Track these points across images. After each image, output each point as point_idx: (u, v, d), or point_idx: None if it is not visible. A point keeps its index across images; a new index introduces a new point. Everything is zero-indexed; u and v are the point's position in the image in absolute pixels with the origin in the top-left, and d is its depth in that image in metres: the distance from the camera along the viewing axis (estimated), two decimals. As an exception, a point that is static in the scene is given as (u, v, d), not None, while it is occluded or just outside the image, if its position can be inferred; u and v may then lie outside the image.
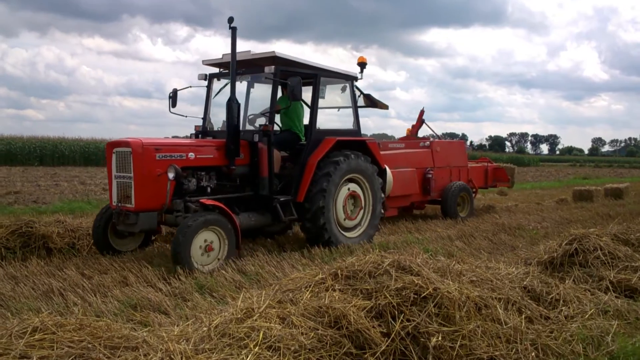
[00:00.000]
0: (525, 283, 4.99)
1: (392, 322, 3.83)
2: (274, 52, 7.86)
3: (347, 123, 9.02)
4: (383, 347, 3.65)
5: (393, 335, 3.74)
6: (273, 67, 7.73)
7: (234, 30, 7.32)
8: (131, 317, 4.86)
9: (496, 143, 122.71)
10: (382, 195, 8.95)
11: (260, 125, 7.90)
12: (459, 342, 3.74)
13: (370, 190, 8.67)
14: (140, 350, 3.09)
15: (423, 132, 14.78)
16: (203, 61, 8.90)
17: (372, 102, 9.64)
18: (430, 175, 11.49)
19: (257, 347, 3.25)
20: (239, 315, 3.65)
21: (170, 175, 6.70)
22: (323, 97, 8.81)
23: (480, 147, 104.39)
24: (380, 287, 4.06)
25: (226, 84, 8.30)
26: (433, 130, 15.09)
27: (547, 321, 4.55)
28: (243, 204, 7.73)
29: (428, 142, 12.31)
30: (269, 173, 7.62)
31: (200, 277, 6.14)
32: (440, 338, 3.74)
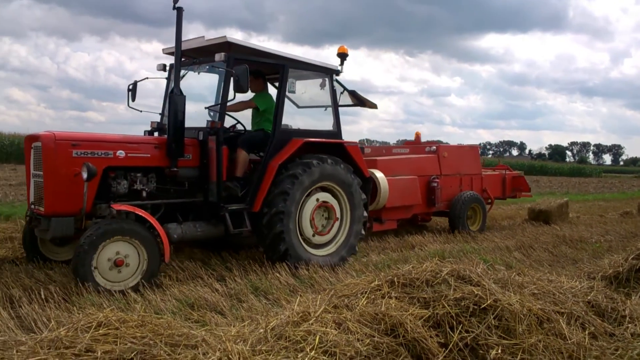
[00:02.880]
0: (589, 298, 4.80)
1: (450, 332, 3.76)
2: (225, 37, 6.77)
3: (330, 124, 7.86)
4: (440, 358, 3.58)
5: (451, 345, 3.67)
6: (223, 54, 6.67)
7: (179, 12, 6.36)
8: (189, 315, 4.95)
9: (556, 152, 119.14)
10: (365, 212, 7.85)
11: (207, 121, 6.86)
12: (519, 356, 3.64)
13: (349, 203, 7.57)
14: (200, 349, 3.14)
15: (427, 137, 13.65)
16: (163, 50, 7.77)
17: (358, 100, 8.63)
18: (435, 184, 10.21)
19: (313, 351, 3.24)
20: (295, 319, 3.66)
21: (84, 175, 5.66)
22: (293, 92, 7.90)
23: (540, 156, 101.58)
24: (438, 296, 3.99)
25: (184, 75, 7.33)
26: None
27: (612, 338, 4.36)
28: (194, 212, 6.86)
29: (434, 147, 10.92)
30: (217, 177, 6.62)
31: (255, 280, 6.21)
32: (499, 351, 3.65)
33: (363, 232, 7.87)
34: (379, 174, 9.03)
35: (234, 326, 4.15)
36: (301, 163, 7.03)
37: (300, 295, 5.05)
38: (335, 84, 7.86)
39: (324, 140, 7.47)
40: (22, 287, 5.57)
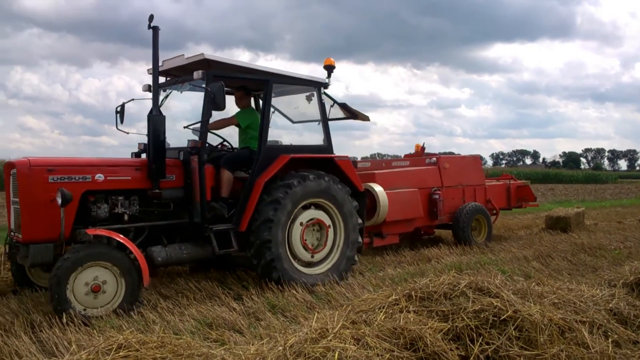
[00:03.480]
0: (610, 305, 4.74)
1: (471, 345, 3.73)
2: (202, 54, 6.64)
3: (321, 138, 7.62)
4: (461, 371, 3.55)
5: (472, 358, 3.64)
6: (201, 72, 6.52)
7: (155, 31, 6.27)
8: (207, 335, 4.96)
9: (570, 160, 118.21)
10: (360, 222, 7.59)
11: (189, 141, 6.71)
12: (541, 367, 3.59)
13: (341, 218, 7.32)
14: (219, 368, 3.15)
15: (439, 149, 12.91)
16: (148, 70, 7.32)
17: (350, 113, 8.37)
18: (437, 196, 9.94)
19: (333, 368, 3.23)
20: (314, 335, 3.65)
21: (58, 200, 5.54)
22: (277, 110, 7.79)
23: (554, 164, 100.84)
24: (457, 309, 3.96)
25: (167, 94, 7.30)
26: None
27: (636, 346, 4.30)
28: (180, 234, 6.71)
29: (435, 159, 10.65)
30: (200, 197, 6.48)
31: (272, 297, 6.21)
32: (521, 363, 3.61)
33: (356, 258, 7.58)
34: (377, 188, 8.88)
35: (252, 344, 4.14)
36: (281, 185, 6.77)
37: (318, 312, 5.04)
38: (325, 97, 7.68)
39: (310, 155, 7.26)
40: (42, 312, 5.61)
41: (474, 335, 3.79)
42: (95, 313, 5.39)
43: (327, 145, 7.49)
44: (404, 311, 3.99)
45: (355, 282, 7.04)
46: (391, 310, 4.03)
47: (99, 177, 6.09)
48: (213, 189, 6.78)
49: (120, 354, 3.17)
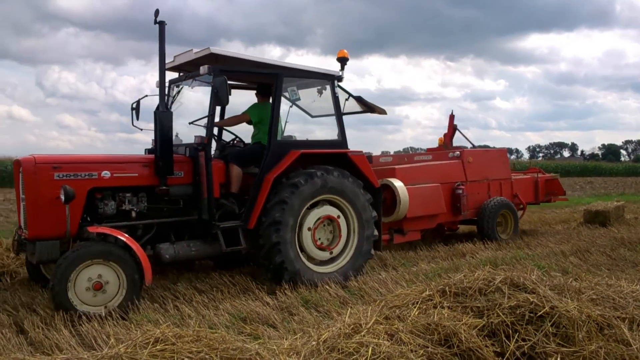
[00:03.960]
0: (652, 302, 4.61)
1: (506, 341, 3.68)
2: (208, 48, 6.54)
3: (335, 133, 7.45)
4: (497, 367, 3.51)
5: (507, 354, 3.60)
6: (206, 66, 6.46)
7: (161, 26, 6.21)
8: (242, 329, 5.03)
9: (610, 152, 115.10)
10: (375, 215, 7.37)
11: (195, 137, 6.70)
12: (580, 364, 3.53)
13: (355, 214, 7.15)
14: (254, 362, 3.18)
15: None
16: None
17: (367, 107, 8.20)
18: (460, 191, 9.65)
19: (366, 363, 3.24)
20: (347, 331, 3.66)
21: (62, 197, 5.54)
22: (298, 99, 7.71)
23: (593, 156, 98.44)
24: (492, 305, 3.92)
25: (179, 90, 7.32)
26: (468, 139, 12.35)
27: (680, 344, 4.17)
28: (190, 231, 6.68)
29: (458, 152, 10.34)
30: (207, 194, 6.42)
31: (305, 292, 6.24)
32: (559, 359, 3.56)
33: (372, 252, 7.43)
34: (397, 183, 8.70)
35: (286, 339, 4.18)
36: (288, 185, 6.62)
37: (351, 307, 5.05)
38: (339, 91, 7.51)
39: (320, 150, 7.11)
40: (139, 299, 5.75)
41: (510, 331, 3.74)
42: (97, 311, 5.35)
43: (342, 140, 7.33)
44: (438, 307, 3.96)
45: (389, 277, 7.02)
46: (425, 306, 4.01)
47: (106, 174, 6.06)
48: (223, 186, 6.77)
49: (157, 347, 3.23)
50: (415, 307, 4.00)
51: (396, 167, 9.34)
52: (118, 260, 5.55)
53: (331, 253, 7.06)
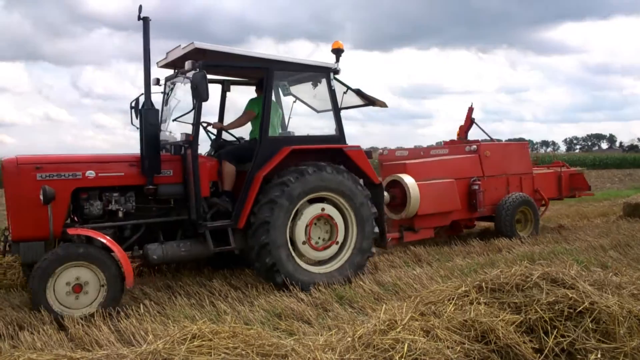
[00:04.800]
0: (697, 297, 4.47)
1: (545, 337, 3.63)
2: (193, 43, 6.36)
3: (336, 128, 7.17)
4: (536, 364, 3.46)
5: (546, 351, 3.54)
6: (191, 62, 6.28)
7: (145, 22, 6.11)
8: (277, 325, 5.05)
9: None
10: (375, 211, 7.06)
11: (181, 134, 6.54)
12: (621, 361, 3.45)
13: (353, 211, 6.86)
14: (290, 358, 3.20)
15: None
16: (157, 63, 7.36)
17: (367, 100, 7.81)
18: (476, 187, 9.23)
19: (402, 359, 3.22)
20: (382, 327, 3.64)
21: (41, 198, 5.46)
22: (289, 94, 7.47)
23: (632, 147, 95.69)
24: (530, 300, 3.85)
25: (173, 87, 7.13)
26: (485, 132, 11.88)
27: None
28: (182, 231, 6.54)
29: (475, 146, 9.86)
30: (195, 192, 6.26)
31: (339, 289, 6.24)
32: (599, 355, 3.50)
33: (373, 250, 7.14)
34: (408, 179, 8.45)
35: (321, 335, 4.19)
36: (277, 184, 6.41)
37: (385, 303, 5.04)
38: (337, 84, 7.21)
39: (312, 146, 6.82)
40: (120, 303, 5.86)
41: (548, 327, 3.68)
42: (77, 314, 5.27)
43: (339, 135, 7.06)
44: (475, 303, 3.91)
45: (423, 273, 6.96)
46: (461, 302, 3.97)
47: (90, 173, 5.95)
48: (216, 184, 6.68)
49: (195, 343, 3.27)
50: (451, 303, 3.95)
51: (407, 162, 9.08)
52: (97, 263, 5.46)
53: (322, 253, 6.80)
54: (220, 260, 7.41)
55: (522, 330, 3.71)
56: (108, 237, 5.63)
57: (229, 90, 7.80)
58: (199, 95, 6.07)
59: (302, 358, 3.23)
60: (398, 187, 8.50)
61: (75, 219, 6.13)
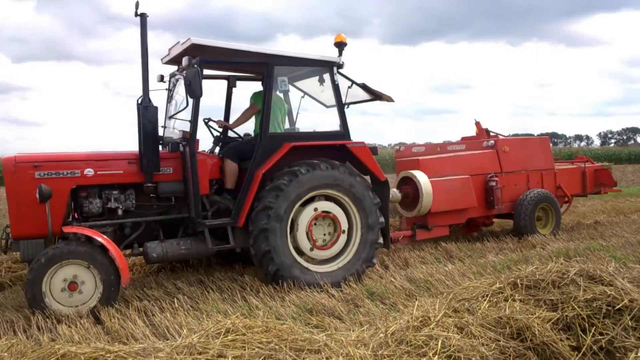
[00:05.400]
0: None
1: (582, 335, 3.57)
2: (189, 39, 6.27)
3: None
4: (573, 362, 3.40)
5: (584, 349, 3.49)
6: (187, 58, 6.24)
7: (142, 18, 6.07)
8: (308, 320, 5.06)
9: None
10: (381, 217, 6.84)
11: (181, 131, 6.48)
12: (663, 360, 3.36)
13: (357, 210, 6.69)
14: (323, 353, 3.20)
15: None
16: (162, 60, 7.32)
17: (373, 94, 7.62)
18: (493, 183, 8.91)
19: (436, 356, 3.20)
20: (415, 323, 3.62)
21: (37, 196, 5.47)
22: (287, 91, 7.31)
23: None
24: (566, 297, 3.80)
25: (175, 83, 6.99)
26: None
27: None
28: (184, 229, 6.50)
29: (492, 142, 9.52)
30: (193, 190, 6.20)
31: (370, 284, 6.22)
32: (639, 354, 3.40)
33: (380, 240, 6.89)
34: (420, 176, 8.25)
35: (352, 331, 4.19)
36: (272, 188, 6.26)
37: (418, 299, 5.00)
38: (341, 78, 7.04)
39: (312, 143, 6.67)
40: (154, 297, 5.97)
41: (586, 325, 3.63)
42: (72, 312, 5.30)
43: (343, 131, 6.91)
44: (510, 300, 3.87)
45: (455, 269, 6.88)
46: (495, 299, 3.92)
47: (89, 171, 5.96)
48: (218, 182, 6.64)
49: (229, 337, 3.30)
50: (485, 300, 3.91)
51: (419, 158, 8.84)
52: (92, 261, 5.46)
53: (330, 250, 6.65)
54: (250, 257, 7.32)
55: (559, 327, 3.66)
56: (104, 236, 5.62)
57: (234, 86, 7.70)
58: (193, 92, 5.99)
59: (335, 353, 3.23)
60: (410, 184, 8.35)
61: (75, 216, 6.14)
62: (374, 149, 7.12)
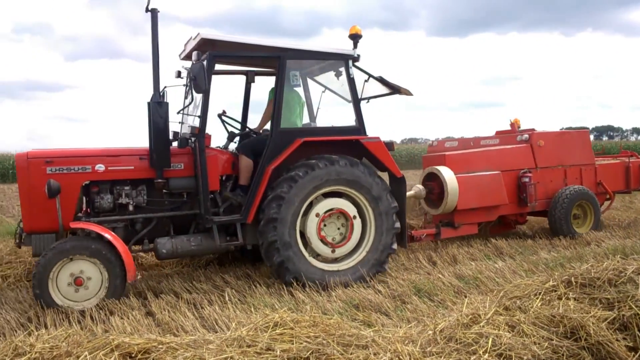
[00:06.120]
0: None
1: (640, 335, 3.43)
2: (199, 34, 6.21)
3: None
4: (631, 364, 3.28)
5: (643, 351, 3.34)
6: (196, 52, 6.20)
7: (153, 14, 6.01)
8: (354, 316, 5.05)
9: None
10: (397, 222, 6.64)
11: (189, 127, 6.40)
12: None
13: (370, 206, 6.51)
14: (370, 349, 3.19)
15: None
16: (179, 55, 7.26)
17: (391, 88, 7.28)
18: (527, 179, 8.51)
19: (486, 354, 3.14)
20: (465, 321, 3.57)
21: (46, 192, 5.54)
22: (298, 85, 7.07)
23: None
24: (623, 296, 3.67)
25: (189, 80, 6.71)
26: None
27: None
28: (196, 225, 6.44)
29: (526, 135, 9.06)
30: (202, 186, 6.16)
31: (417, 281, 6.16)
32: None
33: (394, 246, 6.68)
34: (446, 172, 7.95)
35: (400, 327, 4.16)
36: (285, 179, 6.17)
37: (467, 297, 4.92)
38: (357, 71, 6.85)
39: (325, 138, 6.52)
40: (203, 290, 6.07)
41: (645, 325, 3.48)
42: (78, 306, 5.35)
43: (359, 127, 6.70)
44: (563, 298, 3.77)
45: (506, 266, 6.74)
46: (548, 297, 3.83)
47: (100, 167, 5.99)
48: (231, 178, 6.61)
49: (277, 331, 3.33)
50: (537, 298, 3.82)
51: (446, 153, 8.50)
52: (99, 257, 5.48)
53: (333, 252, 6.47)
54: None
55: (615, 327, 3.55)
56: (111, 232, 5.68)
57: (253, 82, 7.60)
58: (198, 86, 5.94)
59: (382, 350, 3.21)
60: (436, 181, 8.11)
61: (88, 211, 6.20)
62: (390, 145, 6.92)
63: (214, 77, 6.42)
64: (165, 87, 6.35)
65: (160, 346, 3.23)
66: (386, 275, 6.52)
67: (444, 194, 7.92)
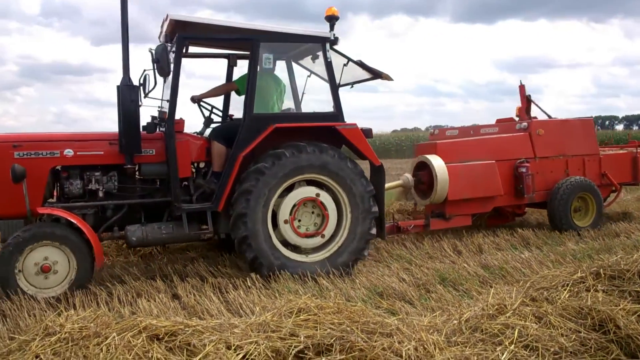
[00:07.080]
0: None
1: (672, 330, 3.36)
2: (167, 15, 5.95)
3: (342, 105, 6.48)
4: (661, 358, 3.22)
5: (674, 345, 3.28)
6: (164, 34, 6.02)
7: None
8: (378, 304, 5.04)
9: None
10: (374, 207, 6.33)
11: (158, 112, 6.20)
12: None
13: (344, 192, 6.23)
14: (395, 337, 3.18)
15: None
16: (159, 37, 6.85)
17: (372, 72, 6.94)
18: (523, 169, 8.10)
19: (512, 345, 3.12)
20: (491, 311, 3.55)
21: (10, 176, 5.39)
22: (271, 69, 6.72)
23: None
24: (655, 289, 3.59)
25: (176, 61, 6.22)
26: (544, 111, 10.04)
27: None
28: (169, 212, 6.19)
29: (525, 124, 8.68)
30: (172, 173, 5.96)
31: (442, 269, 6.13)
32: None
33: (373, 231, 6.39)
34: (435, 161, 7.66)
35: (424, 316, 4.14)
36: (252, 171, 5.93)
37: (493, 287, 4.88)
38: (335, 55, 6.51)
39: (298, 124, 6.26)
40: (228, 275, 6.13)
41: (676, 319, 3.41)
42: (46, 294, 5.25)
43: (337, 113, 6.40)
44: (592, 290, 3.72)
45: (532, 257, 6.66)
46: (576, 289, 3.78)
47: (68, 152, 5.81)
48: (206, 164, 6.48)
49: (301, 317, 3.34)
50: (565, 290, 3.77)
51: (438, 142, 8.23)
52: (66, 243, 5.37)
53: (322, 237, 6.27)
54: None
55: (646, 321, 3.47)
56: (78, 217, 5.55)
57: (235, 65, 7.35)
58: (161, 69, 5.73)
59: (407, 338, 3.20)
60: (426, 170, 7.88)
61: (59, 197, 6.11)
62: (367, 132, 6.62)
63: (196, 60, 6.28)
64: (145, 70, 6.19)
65: (187, 329, 3.27)
66: (411, 264, 6.50)
67: (433, 184, 7.69)
